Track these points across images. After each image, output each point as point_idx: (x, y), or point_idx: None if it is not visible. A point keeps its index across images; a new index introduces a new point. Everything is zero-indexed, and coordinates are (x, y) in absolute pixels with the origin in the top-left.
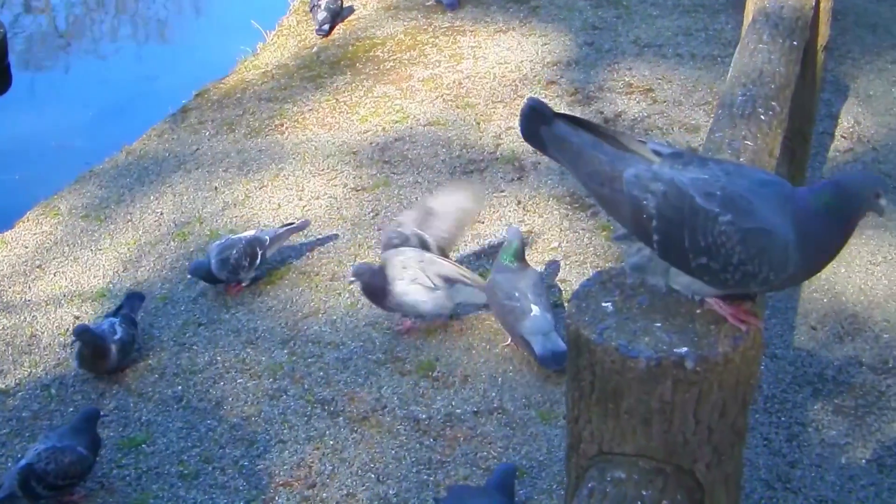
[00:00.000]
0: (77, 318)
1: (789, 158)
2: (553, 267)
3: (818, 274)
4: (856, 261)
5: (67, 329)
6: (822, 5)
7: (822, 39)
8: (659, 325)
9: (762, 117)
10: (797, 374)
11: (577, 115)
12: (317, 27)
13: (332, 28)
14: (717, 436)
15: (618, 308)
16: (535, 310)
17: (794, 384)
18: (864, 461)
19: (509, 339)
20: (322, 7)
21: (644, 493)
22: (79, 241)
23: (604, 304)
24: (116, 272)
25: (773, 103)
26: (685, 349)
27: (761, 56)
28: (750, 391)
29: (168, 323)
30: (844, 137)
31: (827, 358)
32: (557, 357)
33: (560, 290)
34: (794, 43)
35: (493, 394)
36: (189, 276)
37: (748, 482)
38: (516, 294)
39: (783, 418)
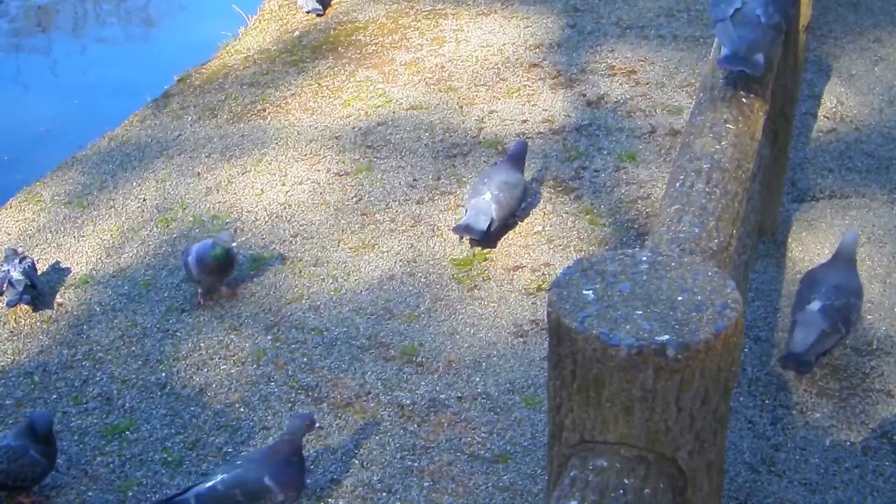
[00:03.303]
0: (60, 304)
1: (772, 140)
2: (537, 251)
3: (801, 256)
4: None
5: (50, 317)
6: None
7: (804, 20)
8: (640, 312)
9: (744, 100)
10: (781, 356)
11: (560, 98)
12: (311, 6)
13: (325, 9)
14: (700, 423)
15: (599, 296)
16: (487, 195)
17: (778, 366)
18: (848, 443)
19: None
20: None
21: (626, 481)
22: (62, 228)
23: (585, 292)
24: (100, 259)
25: (755, 85)
26: (666, 337)
27: None
28: (732, 378)
29: (151, 309)
30: (827, 118)
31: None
32: (467, 228)
33: (544, 274)
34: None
35: (478, 379)
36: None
37: (732, 466)
38: (485, 180)
39: (767, 401)
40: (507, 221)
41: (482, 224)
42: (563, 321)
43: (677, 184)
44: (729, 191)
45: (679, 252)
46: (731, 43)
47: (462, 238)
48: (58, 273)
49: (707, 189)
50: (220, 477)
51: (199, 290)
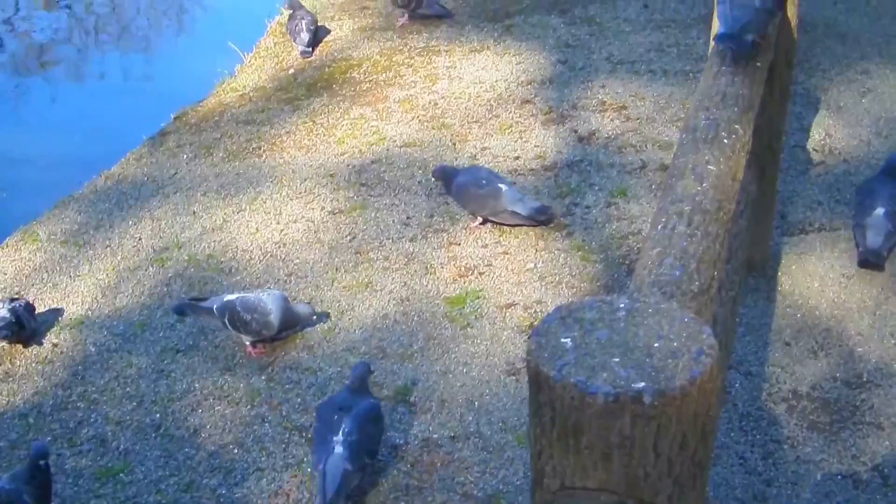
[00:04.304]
0: (55, 345)
1: (759, 175)
2: (529, 288)
3: (791, 289)
4: (829, 274)
5: (46, 358)
6: (786, 23)
7: (788, 56)
8: (617, 360)
9: (725, 141)
10: (771, 390)
11: (551, 134)
12: (301, 48)
13: (314, 49)
14: (678, 468)
15: (577, 344)
16: (504, 187)
17: (769, 401)
18: (839, 477)
19: (477, 222)
20: (304, 28)
21: None
22: (58, 268)
23: (563, 340)
24: (95, 299)
25: (736, 126)
26: (643, 384)
27: (724, 79)
28: (710, 423)
29: (146, 349)
30: (816, 150)
31: (801, 373)
32: (542, 209)
33: (536, 311)
34: (758, 64)
35: (470, 418)
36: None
37: (724, 502)
38: (483, 181)
39: (758, 436)
40: None
41: (535, 203)
42: (541, 369)
43: (659, 226)
44: (710, 233)
45: (660, 295)
46: (725, 23)
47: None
48: (54, 313)
49: (688, 231)
50: None
51: (248, 341)
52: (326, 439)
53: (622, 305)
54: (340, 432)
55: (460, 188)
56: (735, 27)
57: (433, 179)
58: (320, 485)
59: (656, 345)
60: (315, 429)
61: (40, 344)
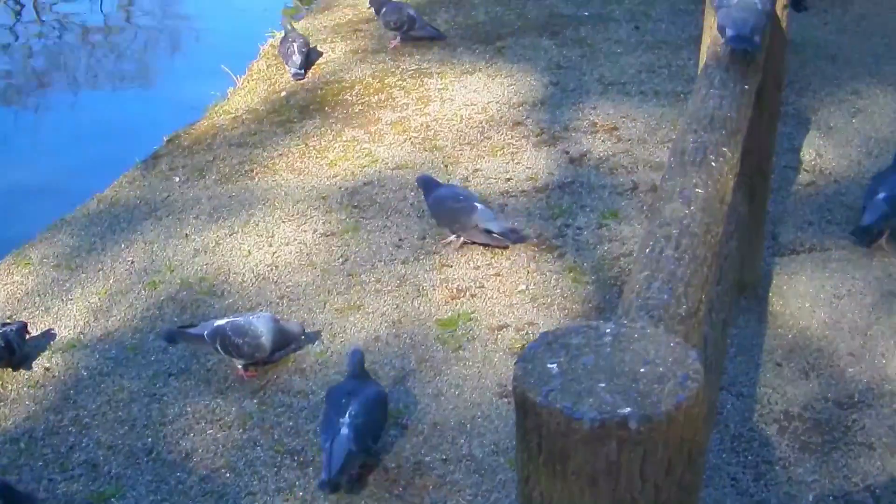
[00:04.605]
0: (47, 369)
1: (749, 197)
2: (521, 310)
3: (783, 310)
4: (820, 295)
5: (37, 382)
6: (774, 46)
7: (777, 78)
8: (603, 385)
9: (713, 164)
10: (763, 411)
11: (543, 155)
12: (293, 70)
13: (307, 71)
14: (665, 494)
15: (563, 369)
16: (479, 205)
17: (761, 422)
18: (831, 498)
19: (451, 237)
20: (297, 51)
21: None
22: (50, 291)
23: (549, 366)
24: (87, 322)
25: (725, 149)
26: (628, 409)
27: (713, 101)
28: (697, 447)
29: (138, 373)
30: (807, 171)
31: (793, 394)
32: (515, 230)
33: (528, 333)
34: (746, 87)
35: (462, 441)
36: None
37: None
38: (460, 197)
39: (750, 457)
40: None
41: (504, 223)
42: (527, 395)
43: (647, 250)
44: (698, 256)
45: (648, 319)
46: (734, 26)
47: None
48: (46, 337)
49: (676, 255)
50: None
51: (240, 364)
52: (333, 421)
53: (608, 331)
54: (347, 415)
55: (437, 200)
56: (745, 29)
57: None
58: (325, 462)
59: (642, 370)
60: (324, 411)
61: (31, 368)
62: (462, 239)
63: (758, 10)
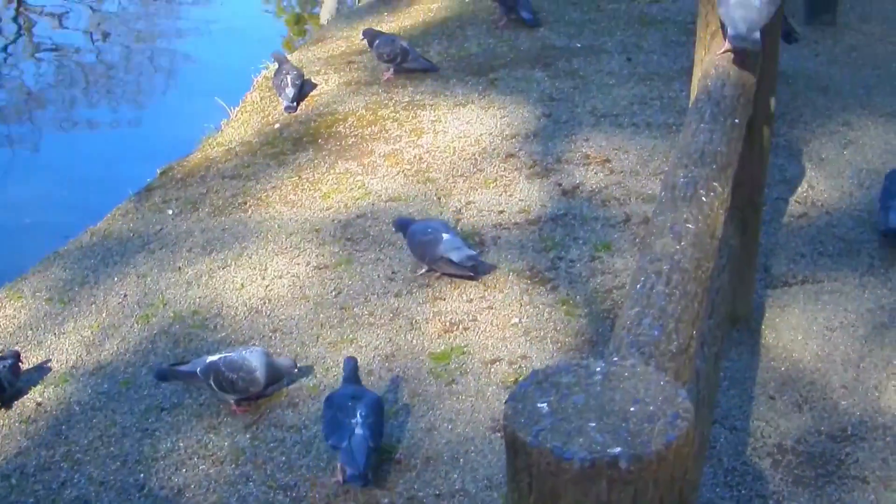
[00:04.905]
0: (39, 404)
1: (741, 229)
2: (514, 343)
3: (775, 342)
4: (813, 327)
5: (29, 417)
6: (765, 79)
7: (767, 111)
8: (593, 424)
9: (703, 199)
10: (756, 444)
11: (536, 188)
12: (286, 104)
13: (299, 103)
14: None
15: (553, 409)
16: (446, 235)
17: (755, 455)
18: None
19: (423, 269)
20: (290, 83)
21: None
22: (42, 325)
23: (539, 405)
24: (80, 356)
25: (715, 184)
26: (619, 449)
27: (703, 136)
28: (687, 486)
29: (131, 408)
30: (799, 202)
31: (786, 427)
32: (472, 257)
33: (521, 366)
34: (737, 121)
35: (455, 475)
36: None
37: None
38: (429, 230)
39: (744, 491)
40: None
41: (471, 250)
42: (518, 435)
43: (638, 285)
44: (688, 292)
45: (639, 355)
46: (733, 25)
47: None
48: (38, 371)
49: (667, 291)
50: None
51: (232, 400)
52: (344, 423)
53: (598, 369)
54: (358, 415)
55: (410, 236)
56: (743, 28)
57: (395, 231)
58: (347, 459)
59: (632, 409)
60: (329, 416)
61: (21, 402)
62: (426, 268)
63: (757, 7)
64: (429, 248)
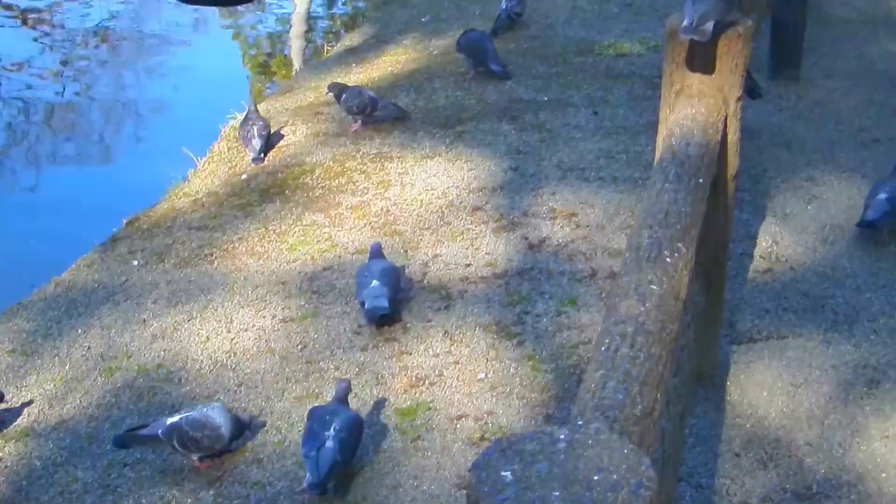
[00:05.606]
0: (0, 459)
1: (706, 286)
2: (480, 399)
3: (740, 399)
4: (777, 384)
5: None
6: (729, 138)
7: (732, 170)
8: (557, 493)
9: (668, 260)
10: (722, 502)
11: (502, 241)
12: (253, 155)
13: (266, 154)
14: None
15: (517, 477)
16: (375, 282)
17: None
18: None
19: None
20: (256, 135)
21: None
22: (4, 378)
23: (503, 474)
24: (42, 410)
25: (679, 244)
26: None
27: (667, 196)
28: None
29: (93, 463)
30: (763, 258)
31: (751, 485)
32: (375, 309)
33: (487, 422)
34: (701, 181)
35: None
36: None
37: None
38: (366, 273)
39: None
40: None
41: (384, 302)
42: None
43: (602, 348)
44: (653, 354)
45: (603, 419)
46: (687, 16)
47: (372, 321)
48: None
49: (631, 353)
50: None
51: (195, 457)
52: (318, 434)
53: (562, 437)
54: (332, 429)
55: (357, 272)
56: (693, 18)
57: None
58: (311, 467)
59: (596, 478)
60: (308, 426)
61: None
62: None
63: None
64: (357, 291)
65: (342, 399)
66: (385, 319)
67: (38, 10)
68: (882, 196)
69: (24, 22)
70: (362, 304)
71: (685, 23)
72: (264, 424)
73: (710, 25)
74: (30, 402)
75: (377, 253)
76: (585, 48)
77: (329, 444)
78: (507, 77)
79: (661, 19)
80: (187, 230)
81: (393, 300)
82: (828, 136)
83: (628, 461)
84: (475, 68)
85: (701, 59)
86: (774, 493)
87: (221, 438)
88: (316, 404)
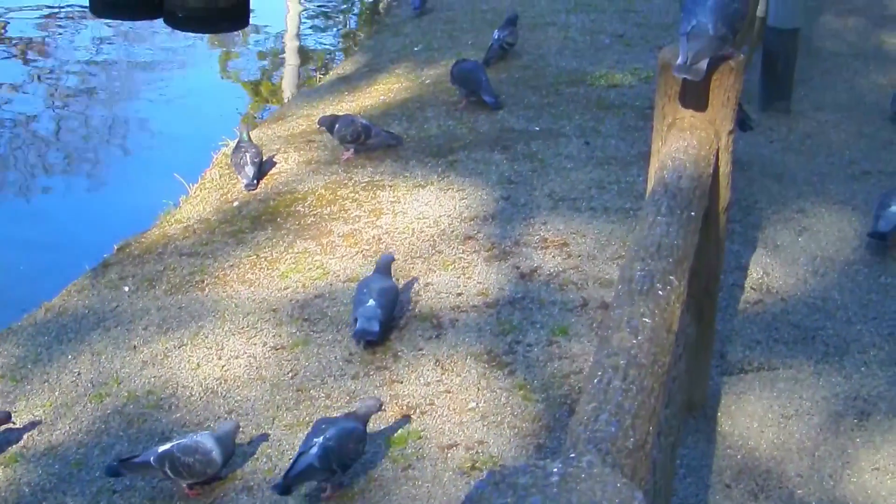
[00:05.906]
0: None
1: (698, 317)
2: (471, 428)
3: (731, 430)
4: (768, 415)
5: None
6: (720, 171)
7: (723, 202)
8: None
9: (660, 293)
10: None
11: (494, 270)
12: (246, 182)
13: (258, 182)
14: None
15: None
16: (371, 301)
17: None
18: None
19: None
20: (249, 162)
21: None
22: None
23: None
24: (31, 436)
25: (671, 277)
26: None
27: (659, 229)
28: None
29: (82, 490)
30: (754, 289)
31: None
32: (364, 332)
33: (478, 451)
34: (692, 213)
35: None
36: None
37: None
38: (364, 290)
39: None
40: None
41: (375, 326)
42: None
43: (595, 380)
44: (645, 387)
45: (595, 452)
46: (682, 53)
47: (360, 343)
48: None
49: (624, 386)
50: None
51: (185, 484)
52: (310, 440)
53: (555, 470)
54: (322, 437)
55: (358, 286)
56: (688, 56)
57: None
58: (287, 469)
59: None
60: (307, 434)
61: None
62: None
63: (709, 37)
64: (354, 304)
65: (382, 271)
66: (372, 344)
67: (30, 38)
68: (894, 208)
69: (21, 54)
70: (355, 320)
71: (679, 61)
72: (260, 455)
73: (703, 64)
74: (38, 422)
75: (384, 268)
76: (577, 78)
77: (313, 451)
78: (499, 107)
79: (652, 51)
80: (178, 257)
81: (385, 323)
82: (818, 168)
83: (621, 495)
84: (468, 98)
85: (693, 94)
86: None
87: (214, 463)
88: (306, 433)
